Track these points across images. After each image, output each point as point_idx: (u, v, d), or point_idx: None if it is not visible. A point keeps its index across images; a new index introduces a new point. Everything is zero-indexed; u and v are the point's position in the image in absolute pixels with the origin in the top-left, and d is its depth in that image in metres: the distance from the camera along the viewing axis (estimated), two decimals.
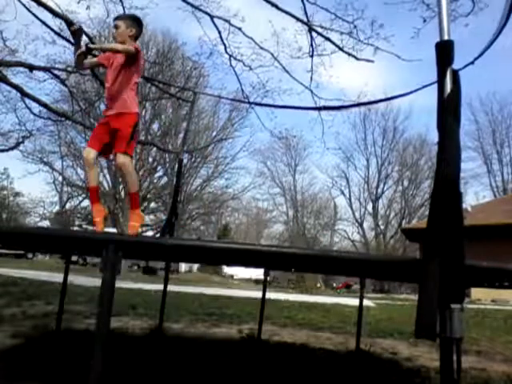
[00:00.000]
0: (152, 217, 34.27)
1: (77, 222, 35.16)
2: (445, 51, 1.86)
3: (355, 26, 8.45)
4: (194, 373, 2.96)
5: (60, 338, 3.65)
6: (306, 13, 8.38)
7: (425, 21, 7.63)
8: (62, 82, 10.19)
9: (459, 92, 1.83)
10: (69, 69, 10.49)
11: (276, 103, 10.69)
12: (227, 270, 33.00)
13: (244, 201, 41.69)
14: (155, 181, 32.13)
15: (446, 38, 1.89)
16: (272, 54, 9.49)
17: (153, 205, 33.19)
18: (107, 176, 30.92)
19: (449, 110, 1.81)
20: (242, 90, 10.06)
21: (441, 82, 1.84)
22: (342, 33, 8.49)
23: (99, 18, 10.75)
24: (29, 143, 24.91)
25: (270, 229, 46.38)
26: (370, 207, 41.97)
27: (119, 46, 3.02)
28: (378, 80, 34.58)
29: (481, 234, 15.01)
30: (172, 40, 28.23)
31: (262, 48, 9.34)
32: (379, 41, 8.60)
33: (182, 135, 28.02)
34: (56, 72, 9.88)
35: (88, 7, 8.93)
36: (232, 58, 9.50)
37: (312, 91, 9.06)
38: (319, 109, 8.87)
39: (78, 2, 8.66)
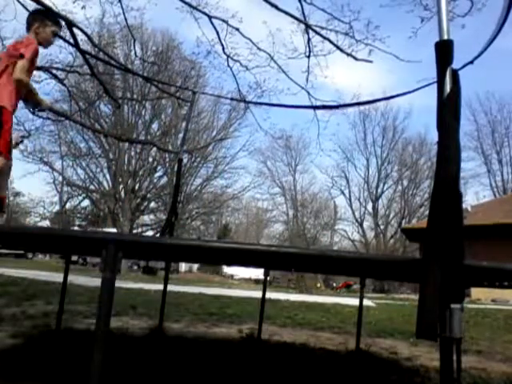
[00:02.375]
0: (152, 217, 34.32)
1: (77, 222, 35.15)
2: (444, 51, 1.86)
3: (351, 27, 8.46)
4: (194, 373, 2.96)
5: (60, 337, 3.64)
6: (303, 13, 8.39)
7: (423, 20, 7.61)
8: (61, 81, 10.19)
9: (459, 92, 1.83)
10: (67, 68, 10.48)
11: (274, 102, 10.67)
12: (227, 269, 33.01)
13: (244, 201, 41.72)
14: (155, 181, 32.16)
15: (445, 37, 1.88)
16: (269, 55, 9.48)
17: (153, 205, 33.22)
18: (107, 176, 30.97)
19: (448, 109, 1.81)
20: (239, 91, 10.07)
21: (440, 81, 1.84)
22: (338, 32, 8.49)
23: (95, 17, 10.77)
24: (29, 143, 24.92)
25: (269, 229, 46.40)
26: (369, 207, 42.03)
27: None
28: (376, 80, 34.67)
29: (480, 234, 15.02)
30: (171, 40, 28.31)
31: (259, 49, 9.33)
32: (375, 42, 8.59)
33: (181, 135, 28.00)
34: (54, 71, 9.87)
35: (84, 7, 8.94)
36: (229, 59, 9.51)
37: (309, 92, 9.05)
38: (318, 107, 8.86)
39: (74, 2, 8.68)
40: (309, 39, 8.87)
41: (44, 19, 3.16)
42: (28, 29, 3.15)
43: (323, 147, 16.69)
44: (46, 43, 3.21)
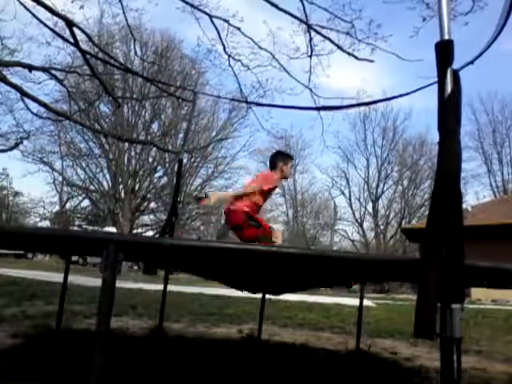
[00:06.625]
0: (152, 217, 34.26)
1: (77, 222, 35.11)
2: (445, 51, 1.86)
3: (353, 26, 8.46)
4: (194, 373, 2.95)
5: (60, 337, 3.64)
6: (305, 12, 8.38)
7: (424, 19, 7.62)
8: (61, 82, 10.18)
9: (460, 92, 1.82)
10: (67, 69, 10.51)
11: (275, 103, 10.67)
12: None
13: None
14: (155, 181, 32.10)
15: (446, 37, 1.88)
16: (271, 54, 9.50)
17: (153, 205, 33.17)
18: (107, 176, 30.94)
19: (449, 110, 1.80)
20: (241, 90, 10.06)
21: (441, 82, 1.84)
22: (339, 31, 8.50)
23: (94, 18, 10.81)
24: (28, 143, 24.83)
25: None
26: (369, 207, 41.91)
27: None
28: (377, 81, 34.62)
29: (481, 234, 15.00)
30: (171, 39, 28.30)
31: (260, 48, 9.34)
32: (377, 41, 8.62)
33: (182, 135, 28.01)
34: (54, 72, 9.86)
35: (82, 7, 8.97)
36: (231, 58, 9.50)
37: (311, 90, 9.07)
38: (318, 109, 8.87)
39: (72, 2, 8.70)
40: (310, 38, 8.87)
41: (285, 158, 3.79)
42: (272, 167, 3.75)
43: (326, 145, 16.69)
44: (288, 176, 3.95)
